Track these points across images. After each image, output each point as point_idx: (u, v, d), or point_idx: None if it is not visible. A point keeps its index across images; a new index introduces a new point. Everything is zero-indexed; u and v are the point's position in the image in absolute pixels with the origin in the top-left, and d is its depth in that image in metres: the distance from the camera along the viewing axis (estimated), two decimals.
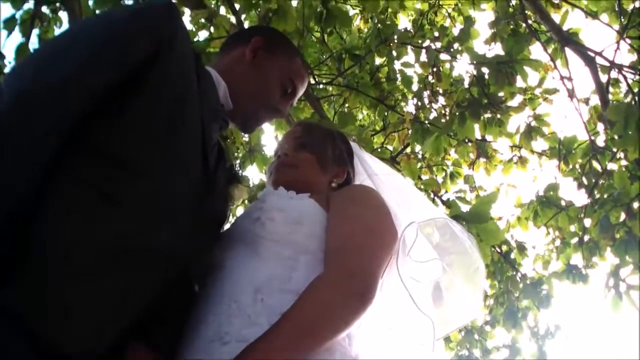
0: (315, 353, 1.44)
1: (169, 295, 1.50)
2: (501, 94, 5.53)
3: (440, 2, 6.97)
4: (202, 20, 4.59)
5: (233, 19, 4.68)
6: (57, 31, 5.28)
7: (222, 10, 5.19)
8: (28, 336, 1.21)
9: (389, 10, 6.14)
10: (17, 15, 4.75)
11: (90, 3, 4.79)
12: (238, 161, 5.13)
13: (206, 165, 1.61)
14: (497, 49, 5.60)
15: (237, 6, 4.83)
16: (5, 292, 1.21)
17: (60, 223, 1.30)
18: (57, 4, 4.98)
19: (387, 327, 1.75)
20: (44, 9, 5.06)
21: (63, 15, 5.20)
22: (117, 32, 1.46)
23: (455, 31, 6.35)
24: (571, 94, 5.61)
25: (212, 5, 5.16)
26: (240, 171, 5.15)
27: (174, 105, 1.51)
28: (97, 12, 4.99)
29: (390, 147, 6.69)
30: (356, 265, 1.56)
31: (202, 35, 4.88)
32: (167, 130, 1.48)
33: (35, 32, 4.97)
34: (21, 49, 4.39)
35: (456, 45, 5.74)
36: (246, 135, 4.93)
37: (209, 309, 1.57)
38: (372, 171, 2.09)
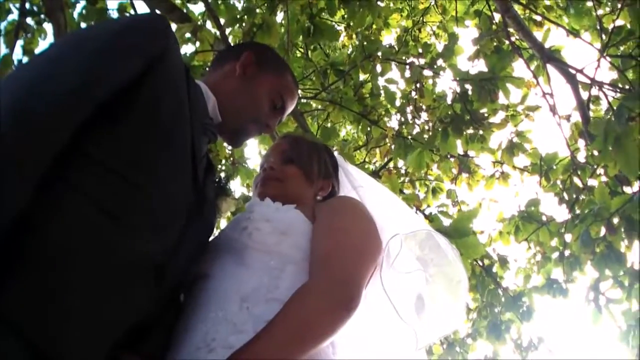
0: None
1: (158, 305, 1.52)
2: (484, 110, 5.59)
3: (424, 20, 7.04)
4: (187, 34, 4.60)
5: (218, 33, 4.71)
6: (42, 42, 5.29)
7: (208, 25, 5.22)
8: (27, 346, 1.21)
9: (374, 26, 6.19)
10: (1, 27, 4.76)
11: (76, 15, 4.80)
12: (223, 174, 5.14)
13: (196, 178, 1.62)
14: (480, 66, 5.67)
15: (222, 20, 4.86)
16: (5, 301, 1.21)
17: (60, 235, 1.31)
18: (42, 16, 4.99)
19: (370, 337, 1.77)
20: (29, 21, 5.06)
21: (48, 27, 5.21)
22: (112, 45, 1.46)
23: (439, 47, 6.42)
24: (553, 110, 5.67)
25: (197, 20, 5.18)
26: (227, 184, 5.16)
27: (166, 119, 1.52)
28: (82, 24, 5.00)
29: (373, 162, 6.73)
30: (340, 274, 1.58)
31: (186, 49, 4.90)
32: (160, 144, 1.50)
33: (20, 43, 4.97)
34: (5, 60, 4.40)
35: (440, 62, 5.79)
36: (230, 148, 4.94)
37: (196, 317, 1.58)
38: (357, 183, 2.11)
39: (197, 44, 4.58)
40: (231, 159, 5.16)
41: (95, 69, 1.40)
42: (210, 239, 1.84)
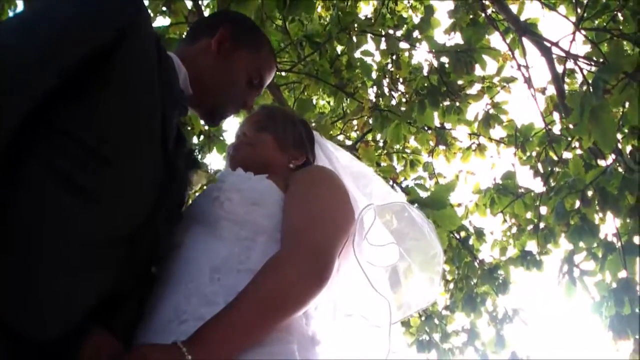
0: (274, 331, 1.47)
1: (130, 278, 1.52)
2: (461, 82, 5.59)
3: None
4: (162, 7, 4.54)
5: (191, 5, 4.65)
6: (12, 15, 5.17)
7: None
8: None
9: None
10: None
11: None
12: (195, 147, 5.11)
13: (166, 151, 1.61)
14: (457, 38, 5.65)
15: None
16: None
17: (26, 208, 1.31)
18: None
19: (344, 310, 1.77)
20: None
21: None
22: (80, 14, 1.45)
23: (416, 20, 6.38)
24: (528, 82, 5.68)
25: None
26: (200, 157, 5.13)
27: (135, 92, 1.51)
28: None
29: (350, 135, 6.71)
30: (312, 244, 1.59)
31: (160, 21, 4.83)
32: (129, 116, 1.49)
33: None
34: None
35: (416, 34, 5.76)
36: None
37: (167, 289, 1.59)
38: (333, 157, 2.11)
39: (171, 16, 4.52)
40: (207, 131, 5.11)
41: (62, 38, 1.38)
42: (183, 210, 1.83)
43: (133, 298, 1.58)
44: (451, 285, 7.81)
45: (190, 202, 2.01)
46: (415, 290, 1.98)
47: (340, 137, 6.38)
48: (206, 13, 5.06)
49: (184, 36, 4.81)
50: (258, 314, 1.43)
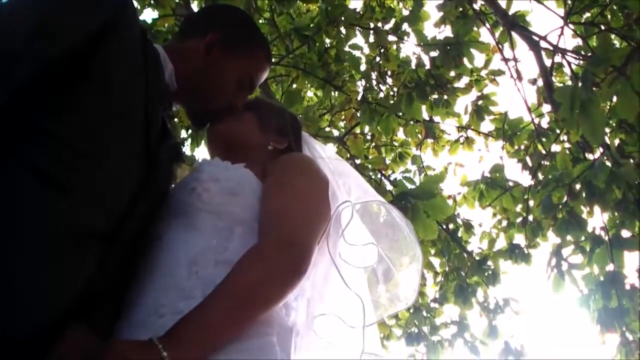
0: (253, 324, 1.46)
1: (109, 273, 1.51)
2: (452, 74, 5.59)
3: None
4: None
5: None
6: None
7: None
8: None
9: None
10: None
11: None
12: (184, 140, 5.10)
13: (148, 144, 1.60)
14: (447, 31, 5.65)
15: None
16: None
17: (4, 205, 1.30)
18: None
19: (318, 309, 1.75)
20: None
21: None
22: (65, 3, 1.43)
23: (405, 12, 6.37)
24: (517, 76, 5.68)
25: None
26: (186, 150, 5.12)
27: (117, 86, 1.50)
28: None
29: (338, 128, 6.71)
30: (289, 236, 1.57)
31: (148, 13, 4.83)
32: (109, 111, 1.48)
33: None
34: None
35: (405, 27, 5.75)
36: None
37: (146, 282, 1.57)
38: (318, 154, 2.08)
39: (158, 8, 4.51)
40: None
41: (42, 31, 1.36)
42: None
43: (114, 292, 1.57)
44: (439, 278, 7.81)
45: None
46: (394, 291, 1.97)
47: (328, 129, 6.36)
48: (194, 6, 5.04)
49: (171, 29, 4.81)
50: (234, 309, 1.42)
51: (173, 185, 1.85)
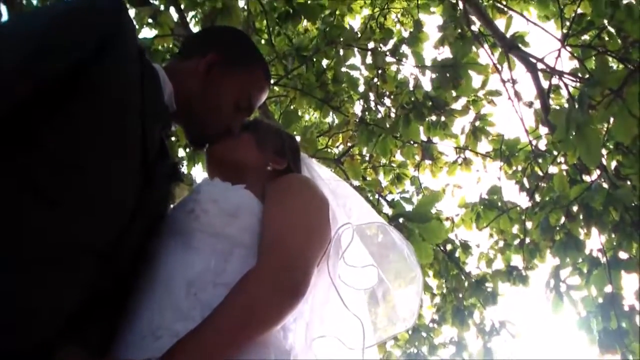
0: (251, 347, 1.44)
1: (103, 292, 1.50)
2: (453, 94, 5.61)
3: (389, 6, 7.02)
4: (148, 19, 4.53)
5: (176, 17, 4.65)
6: None
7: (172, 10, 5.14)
8: None
9: (337, 12, 6.15)
10: None
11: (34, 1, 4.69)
12: (183, 160, 5.10)
13: (145, 163, 1.59)
14: (446, 53, 5.68)
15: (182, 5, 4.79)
16: None
17: None
18: None
19: (317, 330, 1.74)
20: None
21: (3, 9, 5.09)
22: (62, 23, 1.43)
23: (405, 34, 6.40)
24: (516, 97, 5.71)
25: (158, 3, 5.09)
26: (184, 170, 5.12)
27: (113, 103, 1.49)
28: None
29: (336, 147, 6.71)
30: (287, 259, 1.55)
31: (146, 32, 4.84)
32: (105, 129, 1.47)
33: None
34: None
35: (404, 48, 5.78)
36: None
37: (143, 302, 1.56)
38: (317, 175, 2.08)
39: (157, 28, 4.52)
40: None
41: (39, 51, 1.36)
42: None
43: (109, 311, 1.56)
44: (437, 299, 7.80)
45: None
46: (393, 314, 1.95)
47: (327, 151, 6.36)
48: (192, 25, 5.06)
49: (169, 49, 4.82)
50: (231, 331, 1.41)
51: (172, 206, 1.84)
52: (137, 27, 4.64)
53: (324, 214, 1.75)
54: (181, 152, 5.41)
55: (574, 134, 3.83)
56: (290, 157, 2.05)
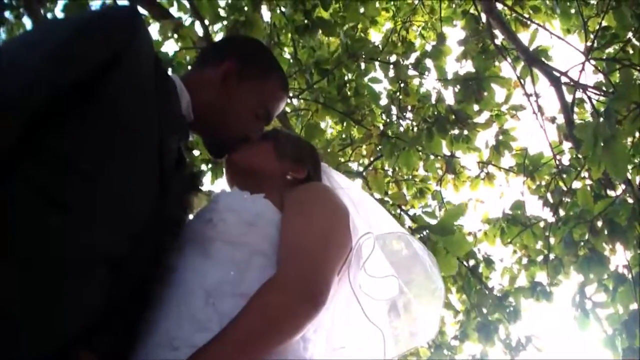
0: (270, 358, 1.43)
1: (118, 301, 1.49)
2: (476, 108, 5.58)
3: (411, 19, 7.02)
4: (171, 33, 4.57)
5: (201, 31, 4.67)
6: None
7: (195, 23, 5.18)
8: None
9: (360, 26, 6.16)
10: None
11: (58, 12, 4.75)
12: (203, 172, 5.10)
13: (162, 172, 1.59)
14: (469, 66, 5.66)
15: (206, 22, 4.83)
16: None
17: (11, 230, 1.27)
18: (20, 10, 4.94)
19: (337, 341, 1.73)
20: (7, 15, 5.02)
21: (27, 21, 5.18)
22: (78, 33, 1.45)
23: (428, 48, 6.39)
24: (540, 111, 5.67)
25: (183, 17, 5.14)
26: (202, 181, 5.12)
27: (127, 114, 1.50)
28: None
29: (358, 162, 6.70)
30: (307, 268, 1.54)
31: (169, 45, 4.89)
32: (120, 139, 1.47)
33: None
34: None
35: (427, 62, 5.77)
36: None
37: (160, 312, 1.54)
38: (337, 184, 2.06)
39: (180, 41, 4.56)
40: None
41: (55, 62, 1.37)
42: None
43: (125, 320, 1.55)
44: (460, 316, 7.72)
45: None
46: (414, 325, 1.93)
47: (349, 164, 6.35)
48: (216, 39, 5.09)
49: (192, 61, 4.85)
50: (250, 342, 1.40)
51: (191, 216, 1.83)
52: (160, 39, 4.69)
53: (344, 223, 1.72)
54: (203, 167, 5.43)
55: (600, 148, 3.79)
56: (310, 166, 2.04)
